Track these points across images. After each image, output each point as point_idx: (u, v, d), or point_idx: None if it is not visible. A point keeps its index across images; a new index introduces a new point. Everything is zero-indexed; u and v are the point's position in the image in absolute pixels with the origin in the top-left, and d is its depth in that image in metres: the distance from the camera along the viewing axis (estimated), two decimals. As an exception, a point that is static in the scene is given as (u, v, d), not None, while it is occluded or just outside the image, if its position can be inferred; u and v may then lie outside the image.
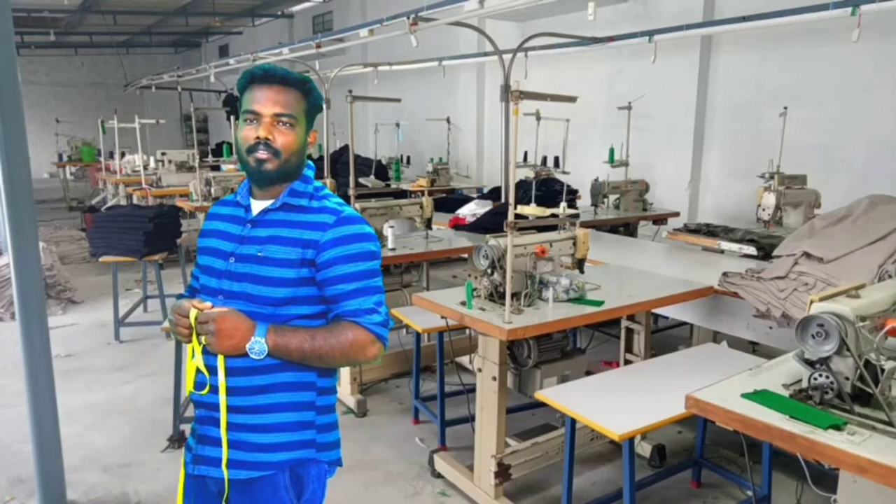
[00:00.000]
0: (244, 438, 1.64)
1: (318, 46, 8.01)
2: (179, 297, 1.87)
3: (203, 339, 1.52)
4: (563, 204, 4.06)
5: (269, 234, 1.65)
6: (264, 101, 1.61)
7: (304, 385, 1.67)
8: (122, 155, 9.59)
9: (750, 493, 3.06)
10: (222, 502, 1.66)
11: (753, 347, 4.26)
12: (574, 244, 3.26)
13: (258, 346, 1.54)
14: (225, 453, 1.63)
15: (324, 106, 1.77)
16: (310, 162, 1.78)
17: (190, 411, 4.01)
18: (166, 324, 3.97)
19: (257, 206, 1.71)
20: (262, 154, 1.62)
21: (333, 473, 1.78)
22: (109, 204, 9.50)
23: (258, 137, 1.61)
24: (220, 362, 1.58)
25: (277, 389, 1.64)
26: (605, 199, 5.91)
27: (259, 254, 1.63)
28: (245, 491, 1.66)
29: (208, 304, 1.58)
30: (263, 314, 1.60)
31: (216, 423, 1.63)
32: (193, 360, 1.60)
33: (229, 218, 1.75)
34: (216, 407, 1.62)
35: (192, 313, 1.53)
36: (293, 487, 1.67)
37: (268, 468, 1.64)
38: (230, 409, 1.62)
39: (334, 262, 1.62)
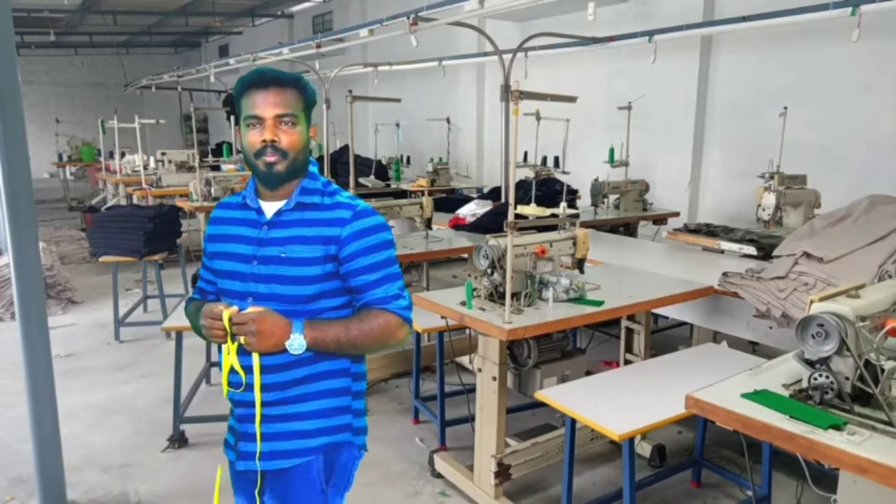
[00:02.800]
0: (282, 429, 1.70)
1: (318, 46, 8.00)
2: (189, 300, 1.90)
3: (242, 339, 1.54)
4: (563, 204, 4.05)
5: (288, 235, 1.69)
6: (264, 104, 1.64)
7: (339, 372, 1.75)
8: (122, 155, 9.58)
9: (750, 493, 3.06)
10: (257, 494, 1.74)
11: (753, 347, 4.26)
12: (574, 244, 3.26)
13: (297, 342, 1.58)
14: (259, 447, 1.69)
15: (323, 103, 1.80)
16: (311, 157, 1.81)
17: (190, 411, 4.02)
18: (167, 324, 3.99)
19: (268, 207, 1.74)
20: (270, 157, 1.65)
21: (362, 458, 1.85)
22: (109, 204, 9.50)
23: (264, 140, 1.64)
24: (256, 361, 1.62)
25: (314, 379, 1.71)
26: (605, 199, 5.91)
27: (282, 255, 1.67)
28: (280, 479, 1.73)
29: (234, 308, 1.59)
30: (295, 311, 1.64)
31: (253, 418, 1.68)
32: (228, 358, 1.63)
33: (239, 221, 1.77)
34: (253, 404, 1.67)
35: (226, 315, 1.55)
36: (325, 472, 1.74)
37: (305, 454, 1.71)
38: (268, 404, 1.68)
39: (357, 254, 1.68)
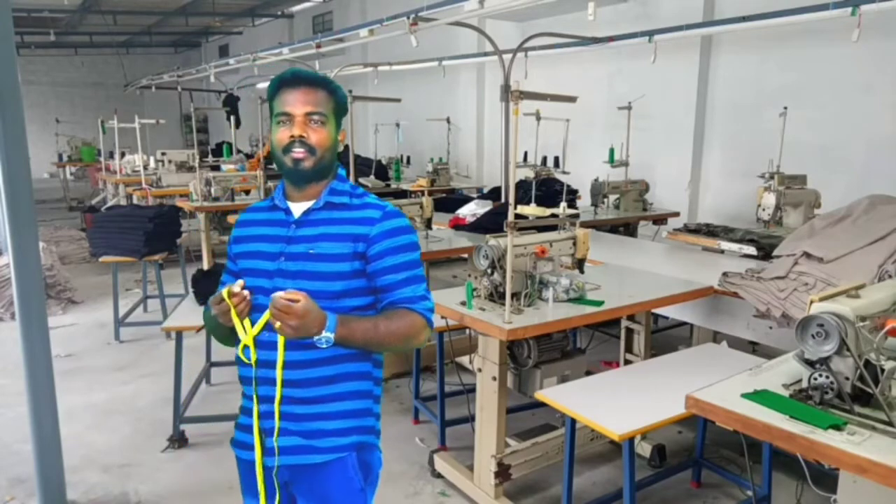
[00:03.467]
0: (315, 427, 1.70)
1: (318, 46, 8.01)
2: (208, 305, 1.86)
3: (277, 324, 1.52)
4: (563, 204, 4.05)
5: (317, 233, 1.71)
6: (294, 101, 1.67)
7: (362, 374, 1.77)
8: (122, 155, 9.58)
9: (750, 493, 3.06)
10: (291, 489, 1.75)
11: (753, 347, 4.26)
12: (574, 244, 3.26)
13: (325, 337, 1.57)
14: (275, 439, 1.69)
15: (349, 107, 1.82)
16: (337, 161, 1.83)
17: (190, 411, 4.02)
18: (167, 324, 3.98)
19: (297, 207, 1.76)
20: (298, 153, 1.67)
21: (381, 461, 1.88)
22: (109, 204, 9.50)
23: (293, 136, 1.67)
24: (280, 342, 1.62)
25: (340, 380, 1.72)
26: (605, 199, 5.91)
27: (311, 251, 1.69)
28: (315, 476, 1.72)
29: (240, 282, 1.62)
30: (321, 307, 1.63)
31: (282, 415, 1.69)
32: (244, 338, 1.64)
33: (266, 222, 1.80)
34: (282, 400, 1.68)
35: (225, 293, 1.58)
36: (361, 470, 1.76)
37: (338, 451, 1.72)
38: (297, 401, 1.69)
39: (385, 253, 1.71)
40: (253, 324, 1.63)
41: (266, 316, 1.57)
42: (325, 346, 1.58)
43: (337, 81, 1.79)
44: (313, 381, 1.69)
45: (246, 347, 1.67)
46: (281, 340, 1.62)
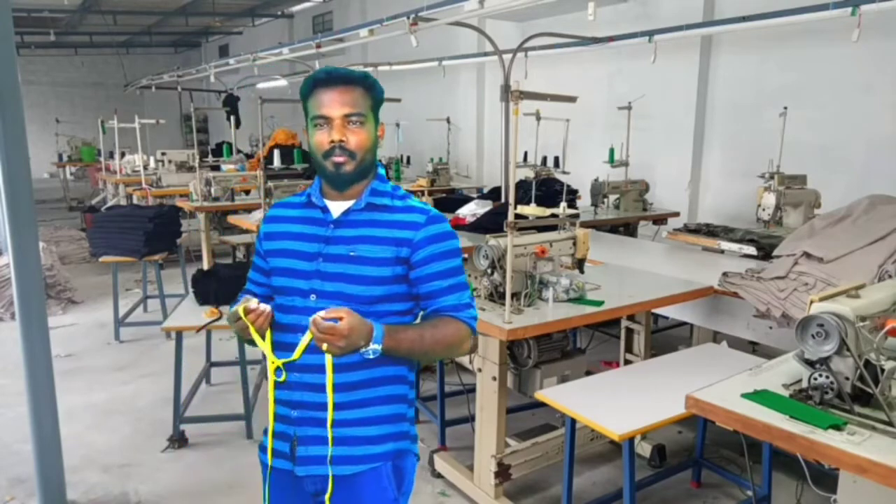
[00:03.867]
0: (349, 433, 1.65)
1: (318, 46, 8.00)
2: (235, 304, 1.79)
3: (324, 346, 1.48)
4: (563, 204, 4.05)
5: (357, 234, 1.66)
6: (331, 103, 1.61)
7: (398, 378, 1.72)
8: (122, 155, 9.58)
9: (750, 493, 3.06)
10: (325, 500, 1.65)
11: (753, 347, 4.26)
12: (574, 244, 3.26)
13: (373, 349, 1.53)
14: (329, 450, 1.63)
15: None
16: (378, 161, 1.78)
17: (190, 411, 4.02)
18: (167, 324, 3.99)
19: (335, 206, 1.70)
20: (338, 158, 1.62)
21: (417, 465, 1.81)
22: (109, 204, 9.50)
23: (332, 141, 1.61)
24: (329, 361, 1.56)
25: (376, 384, 1.67)
26: (605, 199, 5.91)
27: (351, 253, 1.63)
28: (348, 486, 1.66)
29: (253, 301, 1.59)
30: (359, 312, 1.57)
31: (317, 422, 1.63)
32: (270, 357, 1.61)
33: (301, 219, 1.73)
34: (316, 406, 1.62)
35: (240, 310, 1.55)
36: (394, 479, 1.70)
37: (373, 460, 1.67)
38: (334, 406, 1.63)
39: (430, 259, 1.66)
40: (282, 336, 1.60)
41: (307, 338, 1.51)
42: (372, 356, 1.54)
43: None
44: (347, 385, 1.63)
45: (278, 369, 1.62)
46: (329, 361, 1.56)
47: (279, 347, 1.64)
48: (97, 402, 4.45)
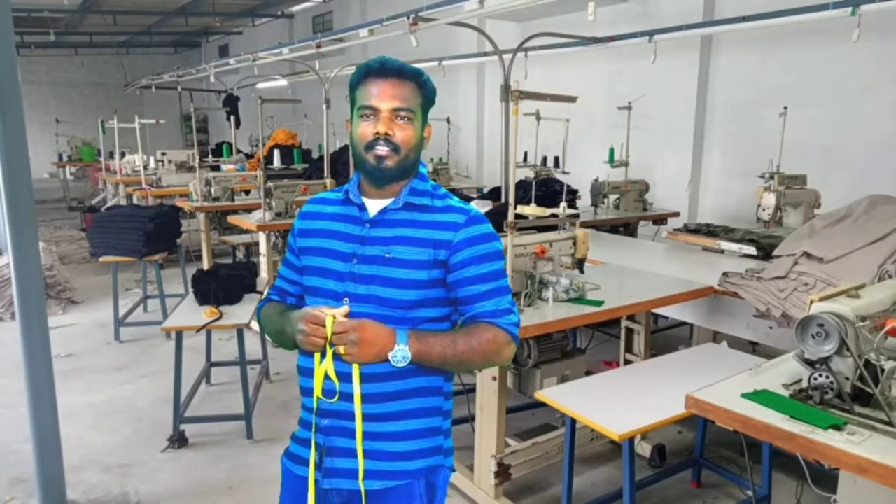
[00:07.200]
0: (379, 447, 1.58)
1: (318, 46, 8.01)
2: (265, 301, 1.78)
3: (341, 349, 1.43)
4: (563, 204, 4.05)
5: (394, 235, 1.58)
6: (381, 94, 1.54)
7: (433, 390, 1.64)
8: (122, 155, 9.59)
9: (750, 493, 3.06)
10: None
11: (753, 347, 4.26)
12: (574, 244, 3.26)
13: (401, 353, 1.47)
14: (361, 463, 1.55)
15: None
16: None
17: (190, 412, 4.01)
18: (167, 324, 3.99)
19: (372, 204, 1.62)
20: (381, 150, 1.54)
21: (450, 478, 1.73)
22: (109, 204, 9.49)
23: (377, 133, 1.54)
24: (356, 372, 1.50)
25: (410, 395, 1.59)
26: (605, 199, 5.91)
27: (387, 255, 1.56)
28: (377, 501, 1.58)
29: (345, 308, 1.50)
30: (394, 318, 1.54)
31: (346, 432, 1.56)
32: (322, 366, 1.52)
33: (337, 216, 1.66)
34: (347, 416, 1.55)
35: (329, 321, 1.44)
36: (426, 495, 1.63)
37: (405, 477, 1.59)
38: (365, 418, 1.55)
39: (468, 262, 1.57)
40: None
41: (329, 353, 1.47)
42: (401, 364, 1.47)
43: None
44: (380, 396, 1.55)
45: (331, 391, 1.54)
46: (356, 371, 1.49)
47: (304, 353, 1.58)
48: (97, 402, 4.45)
